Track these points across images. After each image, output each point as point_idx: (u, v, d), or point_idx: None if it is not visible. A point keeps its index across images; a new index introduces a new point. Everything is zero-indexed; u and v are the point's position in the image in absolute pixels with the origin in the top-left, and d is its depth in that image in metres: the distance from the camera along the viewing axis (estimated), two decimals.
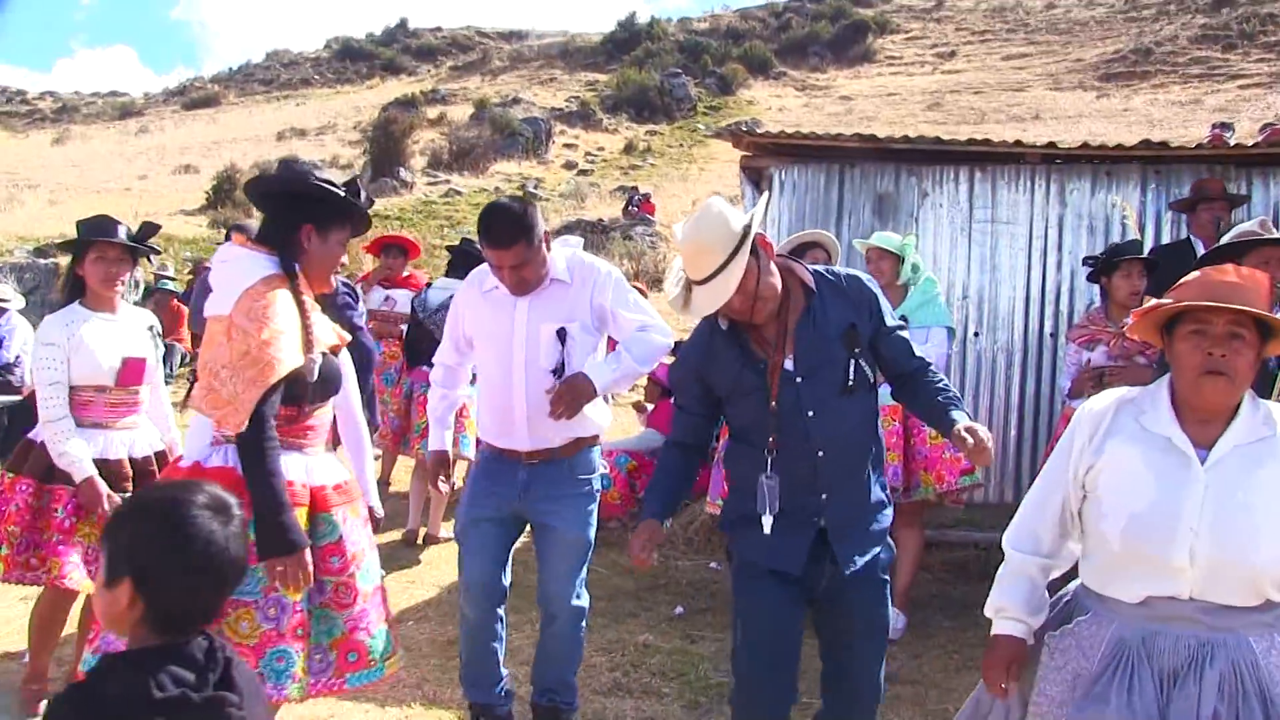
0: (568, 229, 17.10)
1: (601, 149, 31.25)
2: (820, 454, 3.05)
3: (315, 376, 3.02)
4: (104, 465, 4.14)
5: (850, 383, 3.05)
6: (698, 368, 3.23)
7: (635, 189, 24.07)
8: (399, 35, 55.53)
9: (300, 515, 2.98)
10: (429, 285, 7.43)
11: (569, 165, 28.91)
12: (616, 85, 37.28)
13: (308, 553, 2.90)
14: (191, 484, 2.04)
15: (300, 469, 3.06)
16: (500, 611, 4.04)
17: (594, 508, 3.99)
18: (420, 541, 6.85)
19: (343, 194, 3.14)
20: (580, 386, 3.69)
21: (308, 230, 3.10)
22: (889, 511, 3.28)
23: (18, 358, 9.67)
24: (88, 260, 4.24)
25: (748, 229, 2.95)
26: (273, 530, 2.84)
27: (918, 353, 3.23)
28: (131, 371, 4.26)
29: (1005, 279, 6.73)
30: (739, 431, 3.26)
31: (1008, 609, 2.64)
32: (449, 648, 5.03)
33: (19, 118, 47.84)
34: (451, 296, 6.99)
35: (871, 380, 3.16)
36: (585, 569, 4.01)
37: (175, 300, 13.16)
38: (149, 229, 4.50)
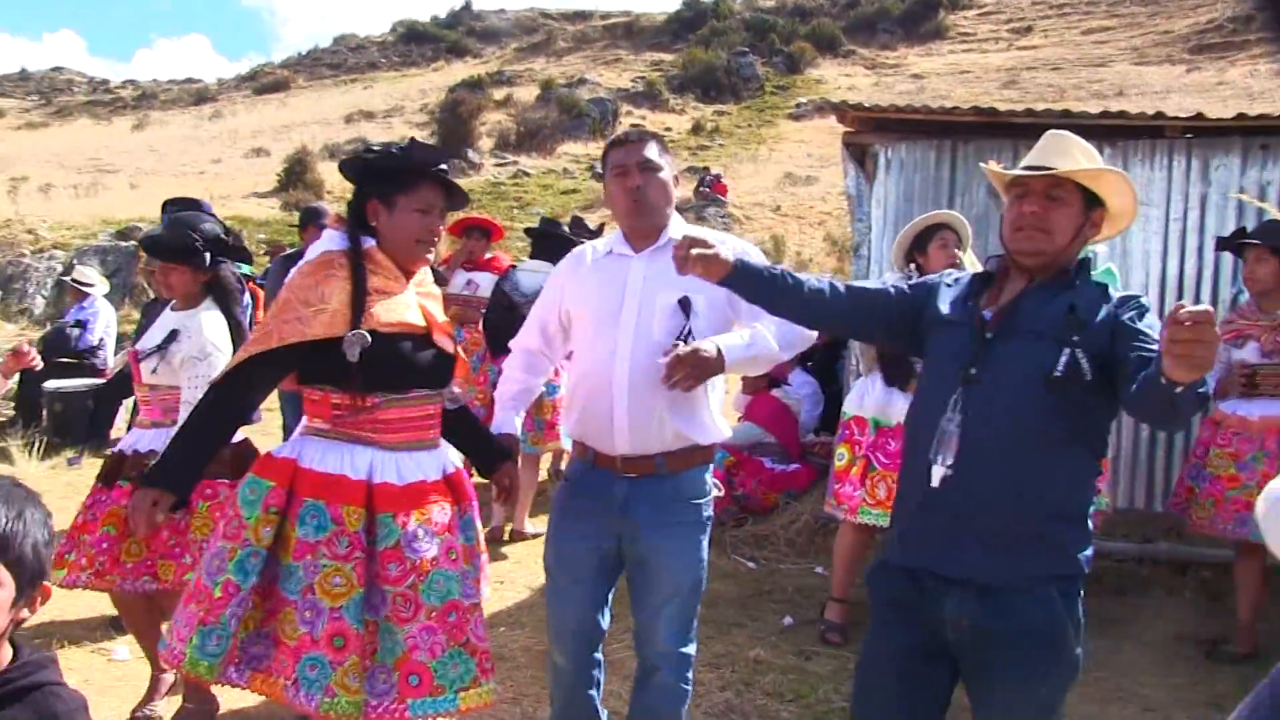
0: None
1: (669, 129, 30.80)
2: (957, 419, 2.65)
3: (353, 354, 2.78)
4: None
5: (1060, 374, 2.55)
6: (939, 289, 2.82)
7: (707, 170, 23.68)
8: (464, 17, 55.44)
9: (352, 513, 2.80)
10: (513, 267, 7.10)
11: None
12: (683, 65, 36.82)
13: (152, 494, 2.73)
14: None
15: (362, 463, 2.86)
16: (598, 655, 3.40)
17: (704, 540, 3.25)
18: (506, 538, 6.59)
19: (376, 157, 3.02)
20: (707, 354, 2.96)
21: (373, 206, 3.00)
22: None
23: (101, 340, 9.62)
24: None
25: (1124, 183, 2.70)
26: (166, 459, 2.82)
27: None
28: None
29: (1138, 265, 6.25)
30: (936, 355, 2.84)
31: None
32: (546, 658, 4.71)
33: (103, 106, 48.50)
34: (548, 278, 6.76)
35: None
36: (696, 612, 3.32)
37: (250, 283, 13.01)
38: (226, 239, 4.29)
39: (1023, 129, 6.39)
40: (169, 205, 4.24)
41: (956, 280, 2.86)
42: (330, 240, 3.00)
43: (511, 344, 3.61)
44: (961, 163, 6.54)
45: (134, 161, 27.78)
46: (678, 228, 3.23)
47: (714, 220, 19.33)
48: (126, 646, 4.66)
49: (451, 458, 3.16)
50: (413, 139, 3.20)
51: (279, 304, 2.87)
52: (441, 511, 2.95)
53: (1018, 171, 2.67)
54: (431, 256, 3.12)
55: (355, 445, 2.87)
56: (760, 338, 3.09)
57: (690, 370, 2.95)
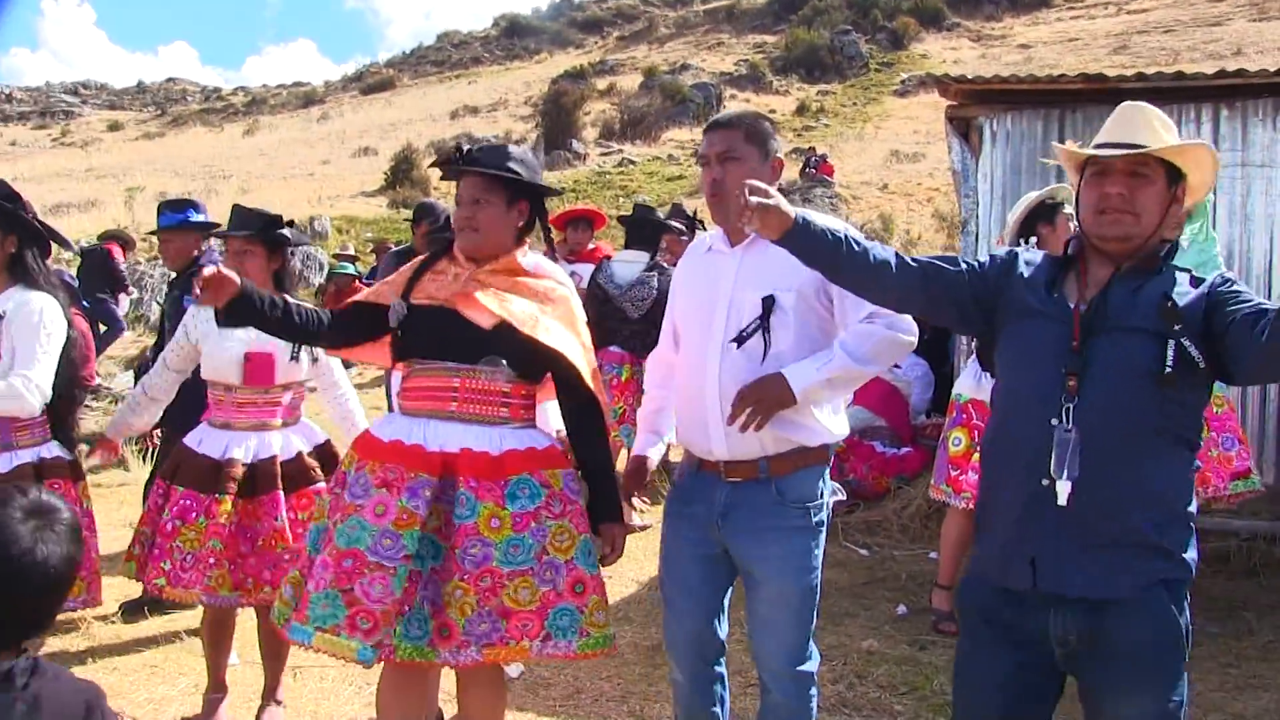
0: None
1: (773, 111, 30.43)
2: (1055, 422, 2.45)
3: (393, 319, 3.09)
4: (215, 465, 3.91)
5: (1170, 369, 2.36)
6: (1017, 268, 2.61)
7: (813, 150, 23.37)
8: (564, 9, 55.86)
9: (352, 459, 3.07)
10: (608, 258, 6.99)
11: None
12: (785, 46, 36.46)
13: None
14: (14, 487, 1.93)
15: (396, 429, 3.07)
16: (718, 669, 3.18)
17: (816, 547, 3.00)
18: None
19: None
20: (769, 388, 2.83)
21: None
22: None
23: None
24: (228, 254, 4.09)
25: (1208, 155, 2.51)
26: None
27: None
28: (256, 369, 3.98)
29: (1260, 230, 5.91)
30: (1024, 353, 2.57)
31: None
32: (655, 654, 4.64)
33: (215, 113, 50.18)
34: (645, 269, 6.62)
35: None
36: (812, 625, 3.05)
37: (357, 281, 13.22)
38: (271, 218, 4.16)
39: (1134, 95, 6.08)
40: (164, 207, 4.24)
41: (1030, 262, 2.64)
42: None
43: (652, 355, 3.51)
44: (1070, 132, 6.25)
45: (245, 166, 28.53)
46: None
47: (820, 201, 19.04)
48: (235, 652, 4.71)
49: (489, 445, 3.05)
50: (458, 147, 3.34)
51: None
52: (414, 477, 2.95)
53: (1104, 153, 2.44)
54: (474, 242, 3.10)
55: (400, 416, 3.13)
56: (836, 358, 2.86)
57: (755, 408, 2.82)
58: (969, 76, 6.70)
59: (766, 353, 2.89)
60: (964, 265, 2.66)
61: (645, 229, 6.66)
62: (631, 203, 18.90)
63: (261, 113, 46.98)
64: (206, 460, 3.92)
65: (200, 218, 5.34)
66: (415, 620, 2.88)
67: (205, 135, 40.23)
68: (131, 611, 5.20)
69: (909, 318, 2.90)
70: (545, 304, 3.09)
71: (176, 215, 5.27)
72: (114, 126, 50.18)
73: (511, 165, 3.11)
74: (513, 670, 4.44)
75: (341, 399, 4.24)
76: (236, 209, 4.17)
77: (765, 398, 2.82)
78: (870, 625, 4.97)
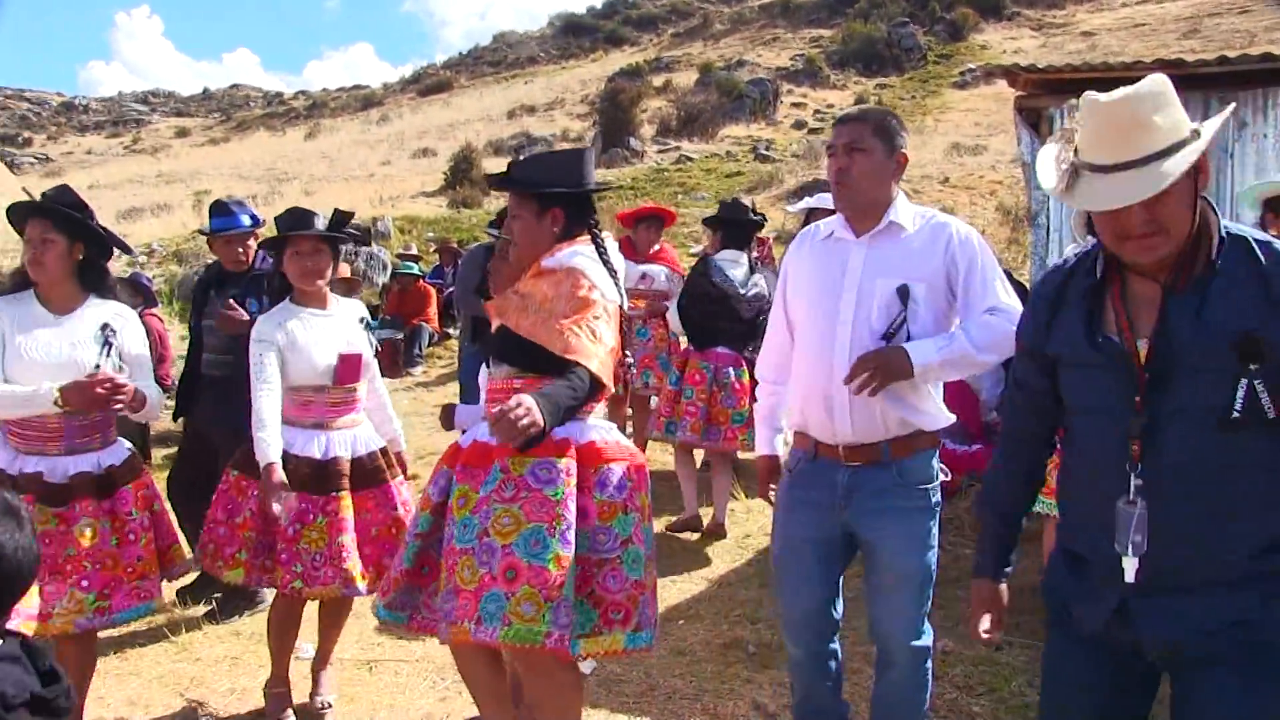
0: (804, 189, 16.43)
1: (831, 106, 30.20)
2: (1138, 482, 2.16)
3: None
4: (321, 465, 3.98)
5: (1238, 415, 2.05)
6: (1045, 316, 2.34)
7: None
8: (619, 7, 55.83)
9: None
10: (707, 257, 6.62)
11: (798, 125, 28.04)
12: (842, 39, 36.11)
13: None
14: None
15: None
16: (833, 646, 3.35)
17: (933, 526, 3.20)
18: (702, 531, 6.36)
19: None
20: (892, 358, 2.97)
21: None
22: None
23: None
24: (286, 257, 4.07)
25: (1197, 134, 2.11)
26: None
27: None
28: (349, 368, 4.07)
29: None
30: (1080, 415, 2.34)
31: None
32: (727, 651, 4.64)
33: (278, 118, 50.91)
34: (750, 270, 6.51)
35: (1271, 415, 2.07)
36: (929, 602, 3.24)
37: (420, 281, 13.32)
38: (342, 216, 4.19)
39: (1212, 79, 5.97)
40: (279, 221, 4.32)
41: (1060, 291, 2.32)
42: None
43: (764, 348, 3.56)
44: None
45: (307, 169, 28.86)
46: (904, 210, 3.16)
47: None
48: (312, 644, 4.77)
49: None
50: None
51: None
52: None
53: (1110, 203, 2.09)
54: (516, 252, 3.29)
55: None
56: (957, 342, 3.03)
57: (875, 374, 2.94)
58: (1038, 66, 6.59)
59: (907, 341, 3.02)
60: (1019, 377, 2.47)
61: (741, 228, 6.50)
62: (690, 200, 18.92)
63: (322, 116, 47.56)
64: (311, 462, 3.99)
65: (258, 219, 5.49)
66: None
67: (268, 139, 40.79)
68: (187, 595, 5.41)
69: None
70: (550, 297, 3.15)
71: (236, 219, 5.37)
72: (181, 133, 51.13)
73: (534, 174, 3.27)
74: (585, 666, 4.44)
75: (381, 388, 4.39)
76: (293, 210, 4.25)
77: (886, 365, 2.95)
78: (944, 625, 4.88)
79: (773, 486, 3.48)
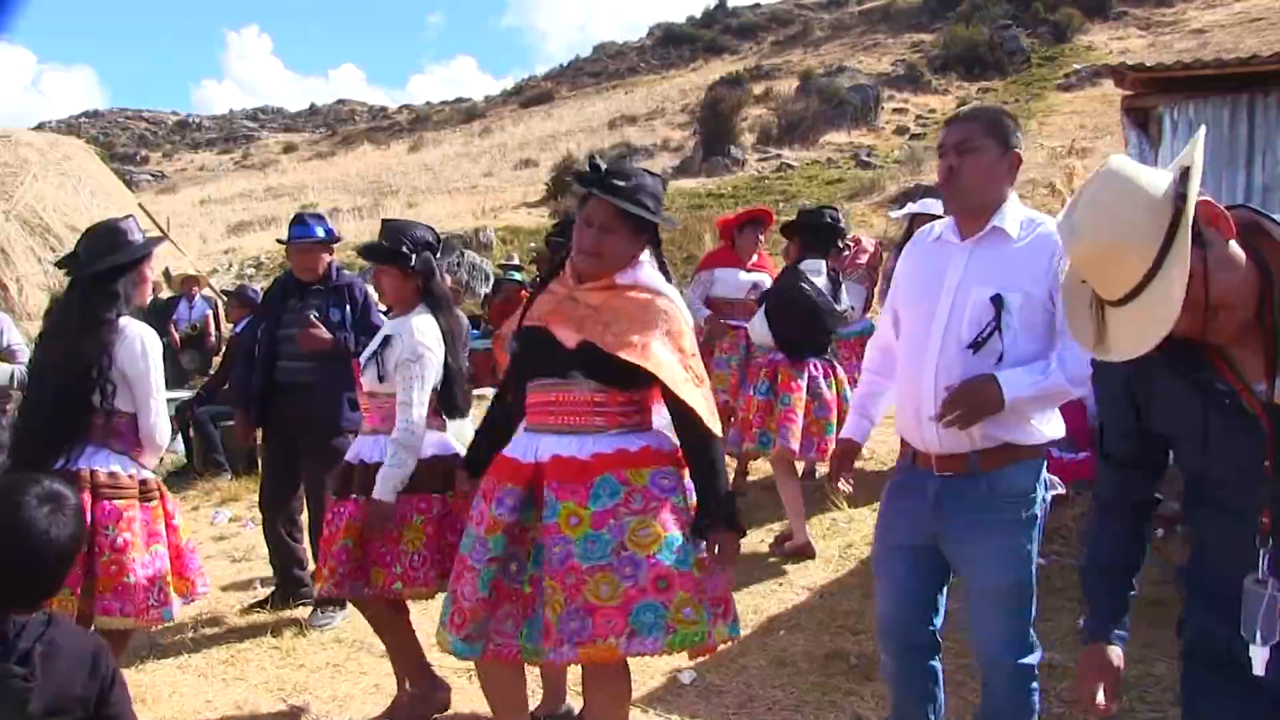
0: (907, 195, 16.21)
1: (933, 111, 29.78)
2: None
3: (511, 348, 3.34)
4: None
5: None
6: (1128, 393, 2.15)
7: None
8: (719, 16, 55.85)
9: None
10: (794, 268, 6.38)
11: (900, 130, 27.70)
12: (943, 44, 35.57)
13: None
14: (30, 476, 2.35)
15: (522, 443, 3.27)
16: (932, 663, 3.22)
17: (1028, 542, 3.01)
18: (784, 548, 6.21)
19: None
20: (981, 391, 2.86)
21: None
22: None
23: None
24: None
25: (1182, 199, 1.82)
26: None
27: None
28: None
29: None
30: (1200, 484, 2.11)
31: None
32: (828, 663, 4.56)
33: (382, 131, 51.93)
34: (828, 279, 6.41)
35: None
36: (1031, 614, 3.08)
37: (522, 290, 13.41)
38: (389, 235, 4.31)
39: None
40: (294, 219, 4.47)
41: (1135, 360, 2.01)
42: None
43: (871, 342, 3.54)
44: (1261, 118, 5.92)
45: (411, 181, 29.36)
46: (1012, 214, 3.02)
47: None
48: None
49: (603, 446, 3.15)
50: (590, 157, 3.43)
51: None
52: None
53: (1130, 351, 1.90)
54: (595, 267, 3.19)
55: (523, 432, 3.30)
56: (1053, 376, 2.89)
57: (962, 410, 2.86)
58: (1146, 64, 6.39)
59: (1001, 356, 2.90)
60: (1110, 452, 2.29)
61: (819, 234, 6.37)
62: (792, 208, 18.78)
63: (425, 129, 48.35)
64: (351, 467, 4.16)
65: (331, 231, 5.62)
66: (533, 622, 3.09)
67: (373, 153, 41.58)
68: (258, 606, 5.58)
69: None
70: (640, 320, 3.12)
71: (310, 229, 5.48)
72: (289, 148, 52.42)
73: (645, 200, 3.17)
74: (685, 677, 4.42)
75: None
76: (385, 224, 4.38)
77: (975, 402, 2.85)
78: (1051, 637, 4.72)
79: (844, 475, 3.43)
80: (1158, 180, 1.87)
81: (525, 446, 3.22)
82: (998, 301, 2.90)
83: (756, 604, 5.38)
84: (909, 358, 3.10)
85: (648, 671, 4.26)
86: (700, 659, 4.08)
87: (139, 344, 3.83)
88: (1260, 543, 1.90)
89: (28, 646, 2.11)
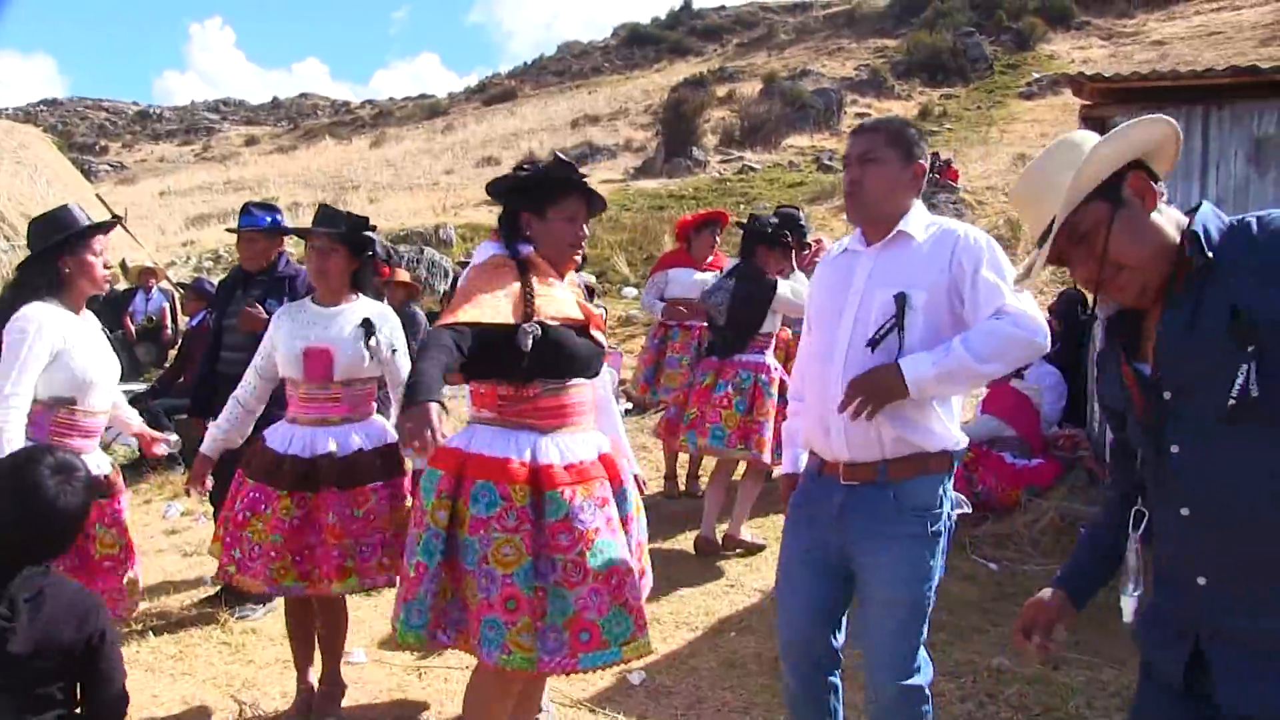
0: None
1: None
2: (1185, 512, 1.99)
3: (527, 344, 3.03)
4: (278, 459, 3.99)
5: (1234, 401, 1.88)
6: (1099, 370, 2.30)
7: (936, 155, 22.91)
8: (683, 17, 55.90)
9: (519, 491, 3.05)
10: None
11: None
12: (907, 50, 35.82)
13: (432, 409, 2.69)
14: (44, 448, 2.64)
15: (525, 446, 3.12)
16: (832, 679, 3.16)
17: (931, 558, 2.94)
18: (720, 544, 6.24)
19: (524, 174, 3.30)
20: (884, 377, 2.83)
21: (525, 217, 3.28)
22: None
23: None
24: (306, 254, 4.25)
25: (1100, 158, 2.04)
26: (404, 398, 2.82)
27: None
28: (315, 364, 4.04)
29: None
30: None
31: None
32: (778, 665, 4.56)
33: (344, 126, 51.57)
34: (724, 277, 6.41)
35: None
36: (921, 634, 2.99)
37: None
38: (359, 221, 4.19)
39: None
40: (243, 209, 4.44)
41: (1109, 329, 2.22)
42: (485, 249, 3.37)
43: (795, 365, 3.53)
44: (1216, 131, 6.01)
45: (372, 176, 29.14)
46: (916, 219, 3.02)
47: (945, 207, 18.61)
48: (363, 649, 4.79)
49: (602, 440, 3.35)
50: (556, 155, 3.42)
51: (461, 293, 3.09)
52: (601, 486, 3.19)
53: (1035, 262, 2.17)
54: (579, 259, 3.40)
55: (519, 431, 3.15)
56: (954, 353, 2.82)
57: (866, 396, 2.84)
58: (1105, 75, 6.47)
59: (900, 351, 2.87)
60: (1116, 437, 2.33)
61: (748, 239, 6.34)
62: (752, 209, 18.84)
63: (388, 125, 48.07)
64: (271, 454, 4.02)
65: (278, 221, 5.58)
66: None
67: (335, 148, 41.24)
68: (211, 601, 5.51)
69: (1038, 316, 2.87)
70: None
71: (257, 219, 5.44)
72: (250, 141, 51.96)
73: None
74: (634, 678, 4.43)
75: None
76: (323, 208, 4.28)
77: (877, 387, 2.83)
78: (1000, 642, 4.79)
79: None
80: (1093, 141, 2.11)
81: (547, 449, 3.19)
82: (900, 299, 2.89)
83: (707, 605, 5.40)
84: (819, 364, 3.07)
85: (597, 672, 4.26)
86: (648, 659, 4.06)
87: (14, 323, 3.57)
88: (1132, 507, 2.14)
89: (14, 594, 2.33)
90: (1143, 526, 2.14)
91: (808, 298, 3.33)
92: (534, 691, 3.63)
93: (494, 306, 3.02)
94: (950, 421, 3.02)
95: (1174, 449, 2.00)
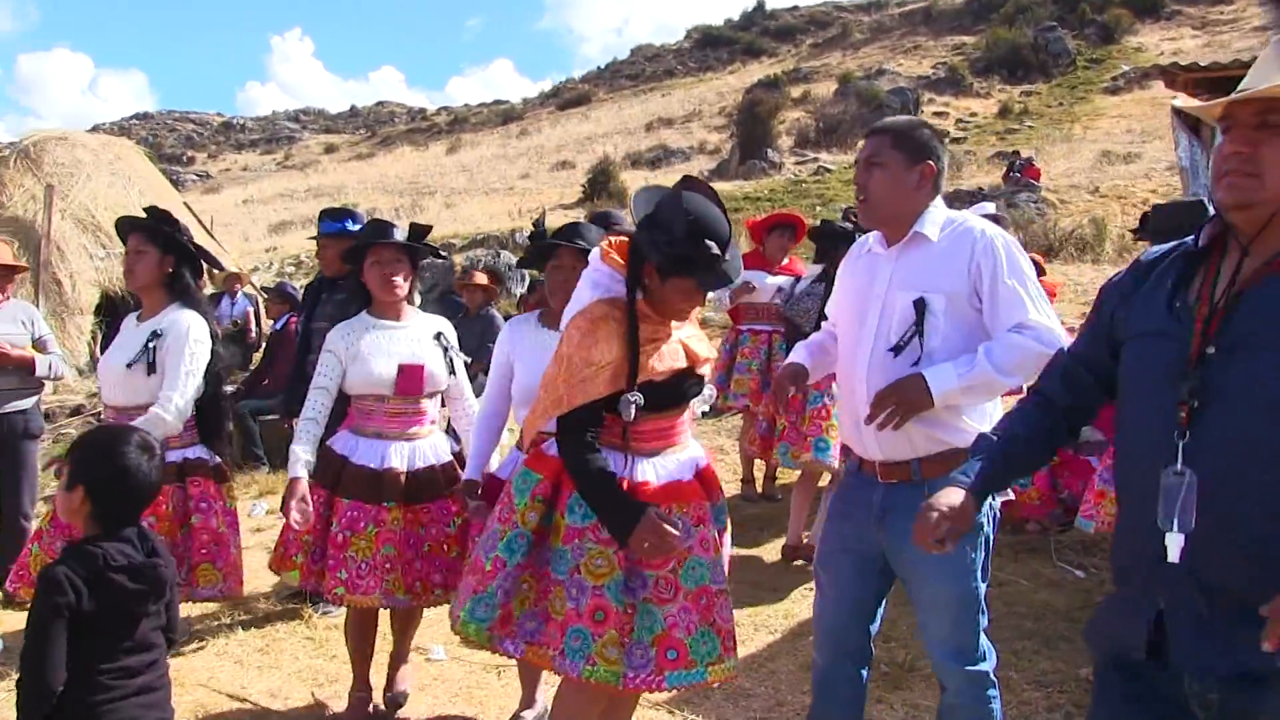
0: (945, 201, 16.07)
1: (974, 114, 29.68)
2: (1178, 468, 1.95)
3: (629, 415, 2.93)
4: (376, 474, 4.00)
5: None
6: (1130, 287, 2.21)
7: (1016, 154, 22.59)
8: (757, 18, 55.83)
9: None
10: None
11: (940, 134, 27.59)
12: (985, 46, 35.41)
13: (651, 513, 2.79)
14: (128, 428, 2.99)
15: (620, 464, 3.04)
16: (861, 671, 3.20)
17: (973, 551, 2.96)
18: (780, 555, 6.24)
19: (671, 254, 2.92)
20: (908, 389, 2.86)
21: (649, 270, 3.00)
22: None
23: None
24: (365, 266, 4.13)
25: None
26: (608, 517, 2.88)
27: None
28: (409, 380, 4.06)
29: None
30: (1135, 390, 2.16)
31: None
32: None
33: (420, 133, 52.35)
34: (813, 280, 6.36)
35: None
36: (979, 624, 3.01)
37: None
38: (420, 230, 4.26)
39: None
40: (325, 215, 4.47)
41: (1157, 264, 2.17)
42: (604, 281, 3.08)
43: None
44: None
45: (448, 182, 29.55)
46: (931, 219, 2.99)
47: (1026, 206, 18.36)
48: (443, 646, 4.82)
49: (699, 455, 3.27)
50: (717, 256, 3.01)
51: (565, 364, 2.97)
52: (697, 506, 3.11)
53: (1209, 102, 2.01)
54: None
55: (614, 451, 3.03)
56: (979, 366, 2.84)
57: (893, 409, 2.85)
58: (1198, 64, 6.31)
59: (921, 356, 2.91)
60: (1087, 331, 2.34)
61: (826, 241, 6.31)
62: (828, 211, 18.71)
63: (464, 131, 48.64)
64: (366, 470, 4.03)
65: (356, 227, 5.52)
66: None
67: (411, 154, 41.88)
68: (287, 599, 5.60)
69: (1060, 331, 2.89)
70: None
71: (335, 224, 5.50)
72: (329, 149, 52.99)
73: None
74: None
75: (469, 408, 4.29)
76: (374, 222, 4.37)
77: (903, 399, 2.85)
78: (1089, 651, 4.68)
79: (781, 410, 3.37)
80: None
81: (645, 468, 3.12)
82: (920, 305, 2.92)
83: (786, 609, 5.36)
84: (846, 366, 3.12)
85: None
86: None
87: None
88: (1179, 435, 1.94)
89: (152, 545, 2.78)
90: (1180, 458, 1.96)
91: (832, 297, 3.35)
92: (622, 710, 3.59)
93: (595, 388, 2.93)
94: (984, 416, 3.03)
95: (1193, 401, 1.94)
